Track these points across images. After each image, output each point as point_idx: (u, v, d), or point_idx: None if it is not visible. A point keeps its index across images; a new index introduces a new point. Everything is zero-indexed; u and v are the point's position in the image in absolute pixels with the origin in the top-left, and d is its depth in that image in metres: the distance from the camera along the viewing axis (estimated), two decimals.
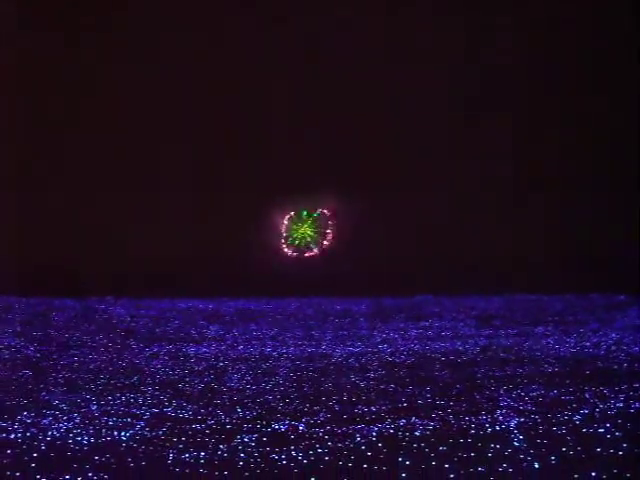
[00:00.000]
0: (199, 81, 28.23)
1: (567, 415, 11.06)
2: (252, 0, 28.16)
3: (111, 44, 27.98)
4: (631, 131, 26.81)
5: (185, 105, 28.32)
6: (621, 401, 11.76)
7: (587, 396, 12.26)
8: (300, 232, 29.79)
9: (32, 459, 9.40)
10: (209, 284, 25.68)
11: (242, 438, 10.27)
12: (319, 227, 29.89)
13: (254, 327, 20.81)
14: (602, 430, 10.06)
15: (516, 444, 9.42)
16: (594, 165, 27.61)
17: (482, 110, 27.59)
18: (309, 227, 29.87)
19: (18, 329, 19.33)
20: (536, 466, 8.59)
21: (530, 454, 8.97)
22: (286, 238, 29.72)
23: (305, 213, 29.85)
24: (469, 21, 27.54)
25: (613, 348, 16.69)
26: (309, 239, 29.85)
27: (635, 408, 11.27)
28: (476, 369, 14.91)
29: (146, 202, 28.34)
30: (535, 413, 11.21)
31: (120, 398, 12.77)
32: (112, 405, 12.29)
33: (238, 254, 27.60)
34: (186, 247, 27.70)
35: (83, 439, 10.29)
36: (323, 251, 29.70)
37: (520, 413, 11.24)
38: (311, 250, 29.87)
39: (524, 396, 12.44)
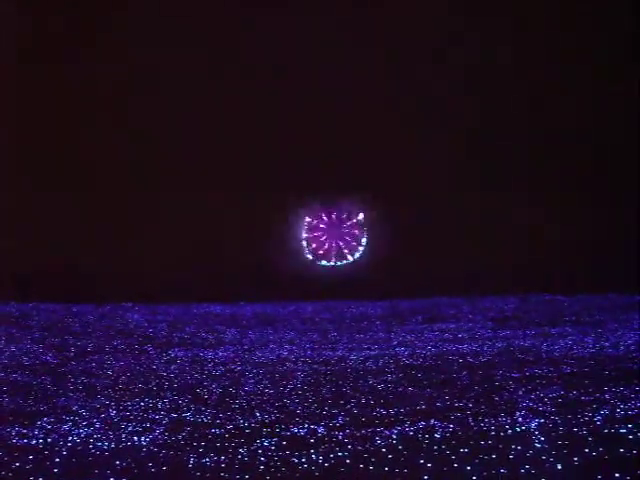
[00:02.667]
0: (211, 79, 28.24)
1: (588, 416, 10.98)
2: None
3: (110, 45, 28.03)
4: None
5: (192, 108, 28.37)
6: None
7: (607, 397, 12.17)
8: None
9: (54, 464, 9.45)
10: (226, 288, 25.72)
11: (262, 442, 10.27)
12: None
13: (271, 331, 20.82)
14: (624, 431, 9.98)
15: (537, 445, 9.37)
16: (610, 166, 27.49)
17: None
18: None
19: (37, 335, 19.43)
20: (559, 467, 8.54)
21: (552, 455, 8.92)
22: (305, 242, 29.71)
23: None
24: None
25: (632, 348, 16.56)
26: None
27: None
28: (494, 371, 14.83)
29: (161, 204, 28.40)
30: (555, 414, 11.13)
31: (139, 403, 12.81)
32: (131, 410, 12.32)
33: (256, 258, 27.64)
34: (201, 251, 27.74)
35: (104, 444, 10.33)
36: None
37: (540, 414, 11.16)
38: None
39: (543, 397, 12.36)
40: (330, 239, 29.82)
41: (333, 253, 29.96)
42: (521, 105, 27.75)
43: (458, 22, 27.31)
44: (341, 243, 30.32)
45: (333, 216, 30.00)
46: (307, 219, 29.70)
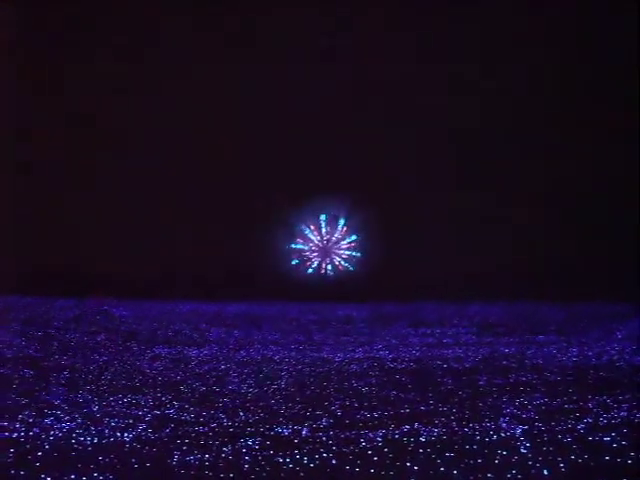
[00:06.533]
0: (206, 84, 28.25)
1: (571, 424, 11.01)
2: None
3: (110, 48, 28.00)
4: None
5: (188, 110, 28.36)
6: (625, 410, 11.72)
7: (590, 405, 12.21)
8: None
9: (36, 458, 9.35)
10: (211, 287, 25.66)
11: (246, 441, 10.22)
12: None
13: (256, 331, 20.77)
14: (608, 439, 10.01)
15: (523, 451, 9.38)
16: (593, 176, 27.66)
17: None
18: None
19: (19, 328, 19.27)
20: (545, 473, 8.55)
21: (538, 461, 8.93)
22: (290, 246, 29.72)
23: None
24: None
25: (616, 358, 16.66)
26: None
27: (638, 418, 11.22)
28: (478, 377, 14.85)
29: (146, 205, 28.33)
30: (539, 421, 11.15)
31: (122, 399, 12.71)
32: (114, 406, 12.23)
33: (241, 259, 27.62)
34: (187, 250, 27.68)
35: (86, 439, 10.23)
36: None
37: (524, 421, 11.18)
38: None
39: (527, 404, 12.38)
40: (319, 256, 29.86)
41: (320, 266, 29.96)
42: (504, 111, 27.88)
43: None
44: (328, 260, 30.34)
45: (323, 233, 30.00)
46: (298, 228, 29.73)
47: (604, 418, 11.25)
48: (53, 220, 27.92)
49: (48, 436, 10.32)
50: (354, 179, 28.63)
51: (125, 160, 28.46)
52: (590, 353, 17.35)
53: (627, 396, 12.72)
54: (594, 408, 11.96)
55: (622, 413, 11.55)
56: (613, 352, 17.36)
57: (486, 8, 26.80)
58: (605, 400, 12.48)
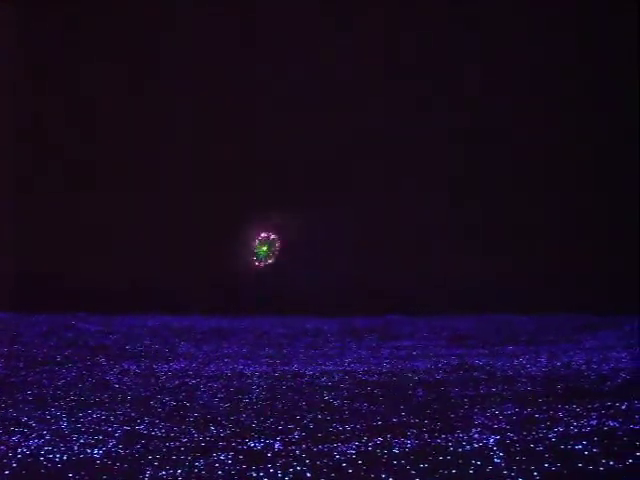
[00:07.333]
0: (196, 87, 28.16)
1: (542, 433, 11.10)
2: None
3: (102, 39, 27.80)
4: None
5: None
6: (594, 419, 11.84)
7: (561, 414, 12.32)
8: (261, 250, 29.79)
9: (4, 477, 9.17)
10: (180, 301, 25.48)
11: (218, 456, 10.13)
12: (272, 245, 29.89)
13: (226, 345, 20.64)
14: (579, 447, 10.11)
15: (496, 461, 9.43)
16: (570, 183, 27.95)
17: None
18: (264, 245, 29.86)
19: None
20: None
21: (513, 470, 8.98)
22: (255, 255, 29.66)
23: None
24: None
25: (584, 367, 16.85)
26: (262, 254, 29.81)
27: (609, 426, 11.35)
28: (449, 388, 14.91)
29: (130, 213, 28.13)
30: (510, 431, 11.23)
31: (91, 415, 12.54)
32: (83, 422, 12.05)
33: (211, 270, 27.49)
34: (159, 263, 27.49)
35: (55, 456, 10.06)
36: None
37: (496, 431, 11.25)
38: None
39: (498, 414, 12.46)
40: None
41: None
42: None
43: None
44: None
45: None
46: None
47: (574, 427, 11.36)
48: (33, 228, 27.57)
49: (16, 454, 10.14)
50: (321, 190, 28.68)
51: (122, 160, 28.28)
52: (559, 363, 17.52)
53: (596, 404, 12.87)
54: (564, 417, 12.07)
55: (592, 421, 11.67)
56: (581, 362, 17.56)
57: (486, 8, 27.06)
58: (575, 409, 12.62)
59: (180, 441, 10.94)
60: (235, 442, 10.85)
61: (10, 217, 27.37)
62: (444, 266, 27.36)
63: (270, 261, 29.65)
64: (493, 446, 10.24)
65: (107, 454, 10.21)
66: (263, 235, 29.74)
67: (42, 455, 10.08)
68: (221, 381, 15.74)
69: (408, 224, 28.24)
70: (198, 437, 11.17)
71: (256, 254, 29.70)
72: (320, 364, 18.00)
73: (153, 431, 11.55)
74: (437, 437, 10.95)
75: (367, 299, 26.16)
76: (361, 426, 11.80)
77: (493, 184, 28.12)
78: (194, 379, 15.95)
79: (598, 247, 26.66)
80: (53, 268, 27.09)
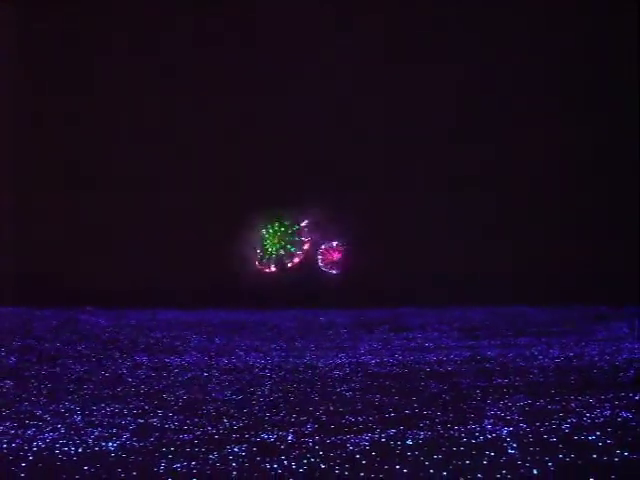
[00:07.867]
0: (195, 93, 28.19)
1: (555, 424, 11.07)
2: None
3: (109, 39, 27.82)
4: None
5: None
6: (608, 409, 11.80)
7: (574, 405, 12.29)
8: (269, 249, 29.75)
9: (20, 469, 9.23)
10: (193, 297, 25.53)
11: (232, 448, 10.16)
12: (283, 242, 29.82)
13: (237, 338, 20.69)
14: (593, 438, 10.08)
15: (510, 452, 9.42)
16: (577, 182, 27.89)
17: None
18: (275, 243, 29.79)
19: None
20: (534, 472, 8.59)
21: (527, 461, 8.97)
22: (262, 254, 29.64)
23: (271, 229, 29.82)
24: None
25: (596, 359, 16.79)
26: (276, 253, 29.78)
27: (622, 417, 11.31)
28: (461, 379, 14.89)
29: (131, 214, 28.19)
30: (523, 422, 11.20)
31: (105, 408, 12.60)
32: (97, 416, 12.11)
33: (221, 267, 27.52)
34: (170, 261, 27.55)
35: (70, 449, 10.11)
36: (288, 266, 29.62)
37: (508, 422, 11.23)
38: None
39: (511, 406, 12.43)
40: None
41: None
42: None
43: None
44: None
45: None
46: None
47: (588, 418, 11.33)
48: (34, 229, 27.68)
49: (31, 447, 10.19)
50: (340, 182, 28.68)
51: (120, 161, 28.34)
52: (571, 354, 17.47)
53: (609, 395, 12.82)
54: (577, 408, 12.04)
55: (605, 412, 11.64)
56: (594, 353, 17.51)
57: (486, 8, 26.98)
58: (588, 400, 12.58)
59: (194, 434, 10.98)
60: (248, 434, 10.88)
61: (10, 217, 27.46)
62: (444, 261, 27.32)
63: (273, 263, 29.63)
64: (506, 437, 10.23)
65: (121, 447, 10.25)
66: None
67: (57, 448, 10.13)
68: (234, 374, 15.77)
69: (410, 221, 28.23)
70: (212, 430, 11.21)
71: (263, 254, 29.68)
72: (332, 356, 18.02)
73: (167, 424, 11.59)
74: (450, 428, 10.94)
75: (375, 293, 26.16)
76: (374, 418, 11.80)
77: (493, 183, 28.12)
78: (206, 372, 16.00)
79: (598, 247, 26.60)
80: (53, 268, 27.17)
